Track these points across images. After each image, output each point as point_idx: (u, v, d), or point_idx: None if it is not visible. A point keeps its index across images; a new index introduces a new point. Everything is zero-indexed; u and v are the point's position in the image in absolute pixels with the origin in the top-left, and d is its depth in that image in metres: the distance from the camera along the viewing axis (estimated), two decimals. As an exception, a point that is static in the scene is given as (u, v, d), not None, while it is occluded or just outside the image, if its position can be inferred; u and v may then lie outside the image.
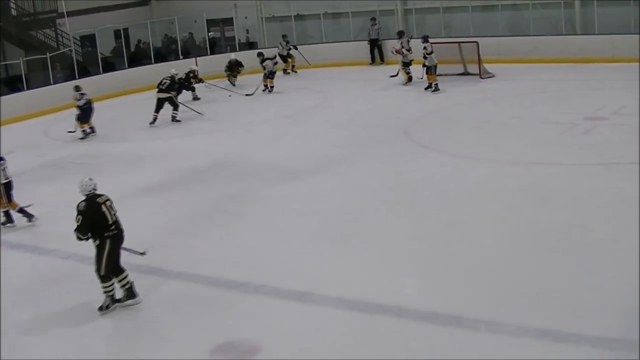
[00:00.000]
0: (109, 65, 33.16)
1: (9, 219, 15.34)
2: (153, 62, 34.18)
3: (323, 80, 30.26)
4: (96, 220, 10.55)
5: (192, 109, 25.31)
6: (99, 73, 32.00)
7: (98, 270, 10.67)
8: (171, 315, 10.61)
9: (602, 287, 10.26)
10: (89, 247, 10.77)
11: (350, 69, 31.90)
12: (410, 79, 27.11)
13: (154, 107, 24.10)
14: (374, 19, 33.82)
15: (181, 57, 34.92)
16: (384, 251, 12.21)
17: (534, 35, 30.68)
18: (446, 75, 27.38)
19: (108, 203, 10.73)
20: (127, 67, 33.45)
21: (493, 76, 27.45)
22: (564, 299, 10.00)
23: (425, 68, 26.19)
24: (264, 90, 28.47)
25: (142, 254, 11.23)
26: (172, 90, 24.43)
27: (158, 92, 24.31)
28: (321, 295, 10.74)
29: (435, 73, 25.79)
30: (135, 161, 19.45)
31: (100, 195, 10.77)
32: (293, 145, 20.01)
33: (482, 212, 13.70)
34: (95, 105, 23.71)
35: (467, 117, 21.65)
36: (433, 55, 25.73)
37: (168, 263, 12.24)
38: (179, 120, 24.32)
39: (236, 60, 31.33)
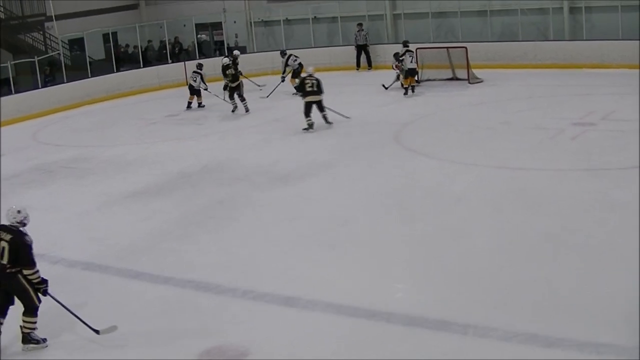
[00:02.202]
0: (98, 69, 33.08)
1: None
2: (142, 66, 34.15)
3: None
4: None
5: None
6: (87, 77, 31.91)
7: None
8: (160, 319, 10.59)
9: (591, 292, 10.29)
10: (78, 252, 10.73)
11: (340, 74, 31.87)
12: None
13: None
14: (360, 24, 33.76)
15: (170, 61, 34.88)
16: (373, 256, 12.22)
17: (522, 41, 30.77)
18: (435, 80, 27.47)
19: (2, 244, 9.96)
20: (115, 71, 33.38)
21: (481, 81, 27.51)
22: (553, 304, 10.03)
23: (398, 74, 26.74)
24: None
25: None
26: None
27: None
28: (310, 300, 10.74)
29: (411, 76, 26.26)
30: (124, 165, 19.42)
31: (6, 232, 10.07)
32: (282, 149, 20.01)
33: (470, 217, 13.73)
34: (84, 109, 23.65)
35: (456, 122, 21.68)
36: (407, 59, 25.94)
37: (157, 268, 12.24)
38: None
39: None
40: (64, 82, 30.53)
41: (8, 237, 9.98)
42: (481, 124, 21.07)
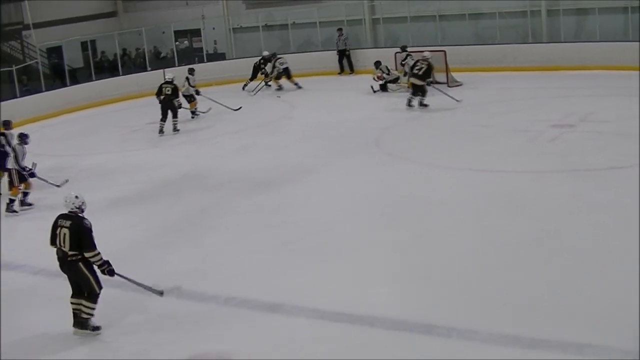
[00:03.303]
0: (77, 78, 32.99)
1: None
2: (121, 73, 34.08)
3: (292, 91, 30.27)
4: (53, 237, 10.50)
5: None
6: (66, 85, 31.82)
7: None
8: (142, 327, 10.58)
9: (573, 293, 10.34)
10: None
11: (320, 79, 31.89)
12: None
13: None
14: (340, 29, 33.80)
15: (149, 68, 34.84)
16: (355, 261, 12.23)
17: (501, 44, 30.85)
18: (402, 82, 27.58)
19: (63, 230, 10.36)
20: (94, 79, 33.28)
21: (461, 85, 27.55)
22: (536, 306, 10.07)
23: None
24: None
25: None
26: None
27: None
28: (293, 306, 10.76)
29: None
30: (105, 174, 19.35)
31: (66, 219, 10.46)
32: (263, 155, 19.98)
33: (452, 221, 13.76)
34: (62, 118, 23.58)
35: (435, 125, 21.75)
36: (410, 63, 26.22)
37: (138, 276, 12.14)
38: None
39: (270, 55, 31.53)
40: (42, 91, 30.40)
41: (67, 223, 10.35)
42: (461, 127, 21.13)
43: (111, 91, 31.99)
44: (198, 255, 13.18)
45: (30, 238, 14.29)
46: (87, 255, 10.24)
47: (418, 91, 23.84)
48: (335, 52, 33.70)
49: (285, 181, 17.17)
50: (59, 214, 10.61)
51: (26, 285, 12.56)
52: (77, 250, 10.26)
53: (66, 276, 10.55)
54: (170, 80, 24.25)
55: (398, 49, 29.18)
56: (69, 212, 10.48)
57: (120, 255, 12.70)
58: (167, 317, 10.75)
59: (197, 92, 26.11)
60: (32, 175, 17.08)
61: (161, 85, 24.31)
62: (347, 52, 33.58)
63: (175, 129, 23.79)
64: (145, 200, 16.81)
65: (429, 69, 23.77)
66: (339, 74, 33.56)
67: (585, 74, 26.98)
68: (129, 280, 10.70)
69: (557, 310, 9.91)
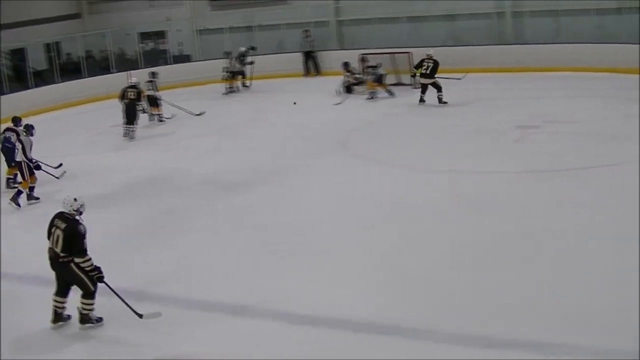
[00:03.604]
0: (41, 80, 32.75)
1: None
2: (86, 76, 33.88)
3: (258, 93, 30.26)
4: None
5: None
6: (29, 87, 31.59)
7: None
8: (110, 331, 10.54)
9: (543, 294, 10.43)
10: (25, 265, 10.63)
11: (285, 81, 31.87)
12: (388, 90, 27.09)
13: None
14: (307, 30, 33.85)
15: (114, 70, 34.67)
16: (322, 264, 12.26)
17: (467, 46, 30.97)
18: (389, 85, 27.57)
19: (57, 232, 10.52)
20: (59, 81, 33.05)
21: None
22: (506, 306, 10.15)
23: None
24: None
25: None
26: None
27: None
28: (261, 308, 10.78)
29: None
30: (70, 177, 19.16)
31: (62, 220, 10.61)
32: (230, 158, 19.95)
33: (418, 223, 13.84)
34: (27, 121, 23.27)
35: (401, 127, 21.81)
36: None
37: (106, 279, 12.12)
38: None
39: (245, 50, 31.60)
40: (5, 93, 30.11)
41: (63, 225, 10.50)
42: (427, 128, 21.25)
43: (76, 93, 31.74)
44: (168, 258, 13.13)
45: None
46: (77, 260, 10.37)
47: (426, 89, 24.28)
48: (301, 53, 33.74)
49: (253, 183, 17.16)
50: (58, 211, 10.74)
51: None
52: (69, 254, 10.38)
53: (54, 274, 10.66)
54: (134, 84, 24.14)
55: (364, 51, 29.24)
56: (67, 214, 10.60)
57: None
58: (135, 320, 10.68)
59: (159, 98, 25.87)
60: (38, 167, 17.39)
61: (125, 89, 24.20)
62: (313, 54, 33.62)
63: (130, 134, 23.60)
64: (114, 203, 16.69)
65: (436, 66, 24.14)
66: (305, 75, 33.58)
67: (548, 75, 27.17)
68: (114, 292, 10.64)
69: (528, 310, 9.99)
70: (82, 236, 10.39)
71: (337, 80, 27.44)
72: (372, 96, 26.32)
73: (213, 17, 37.32)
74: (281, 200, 15.97)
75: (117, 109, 24.65)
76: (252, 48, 31.27)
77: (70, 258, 10.38)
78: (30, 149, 17.24)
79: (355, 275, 11.82)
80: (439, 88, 23.93)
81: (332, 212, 14.87)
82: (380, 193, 15.71)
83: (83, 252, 10.36)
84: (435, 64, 24.09)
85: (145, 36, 37.71)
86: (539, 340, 9.16)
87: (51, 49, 34.64)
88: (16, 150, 17.47)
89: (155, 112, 25.71)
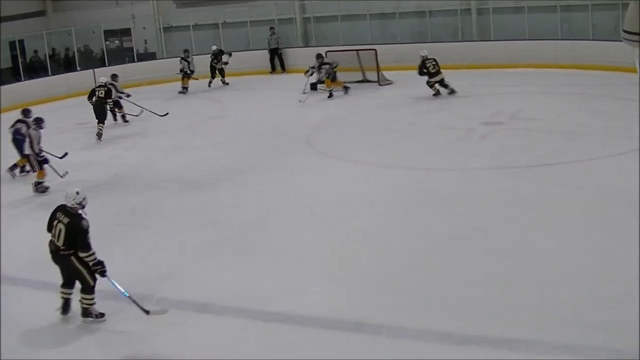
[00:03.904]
0: (4, 78, 32.47)
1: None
2: (50, 74, 33.70)
3: (223, 90, 30.22)
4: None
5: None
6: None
7: None
8: (71, 330, 10.47)
9: (503, 289, 10.45)
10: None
11: (250, 78, 31.85)
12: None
13: None
14: (272, 27, 33.93)
15: (79, 68, 34.51)
16: (285, 261, 12.22)
17: (432, 42, 31.06)
18: (345, 82, 27.56)
19: (59, 226, 10.49)
20: (22, 79, 32.82)
21: (391, 83, 27.76)
22: (465, 303, 10.15)
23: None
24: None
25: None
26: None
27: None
28: (223, 306, 10.74)
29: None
30: (32, 176, 19.06)
31: (65, 214, 10.55)
32: (193, 156, 19.83)
33: (382, 219, 13.85)
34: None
35: (367, 124, 21.84)
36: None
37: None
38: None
39: (219, 50, 31.47)
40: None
41: (66, 220, 10.45)
42: (392, 125, 21.28)
43: (40, 92, 31.50)
44: (128, 256, 13.01)
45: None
46: (81, 255, 10.36)
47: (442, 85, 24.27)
48: (267, 50, 33.78)
49: (215, 181, 17.12)
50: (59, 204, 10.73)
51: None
52: (71, 248, 10.38)
53: (58, 267, 10.67)
54: (103, 83, 24.01)
55: (328, 48, 29.26)
56: (69, 207, 10.56)
57: (47, 257, 12.59)
58: (96, 320, 10.65)
59: (128, 95, 25.30)
60: (46, 161, 17.57)
61: (94, 88, 24.02)
62: (279, 51, 33.66)
63: (99, 134, 23.29)
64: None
65: (437, 62, 24.26)
66: (271, 72, 33.60)
67: (512, 71, 27.33)
68: (117, 288, 10.60)
69: (486, 305, 10.01)
70: (86, 231, 10.35)
71: (303, 78, 27.30)
72: (331, 94, 26.29)
73: (178, 15, 37.25)
74: (244, 197, 15.92)
75: (81, 107, 24.57)
76: (229, 54, 31.11)
77: (71, 252, 10.38)
78: (39, 142, 17.44)
79: (312, 272, 11.80)
80: (446, 85, 24.22)
81: (295, 209, 14.83)
82: (344, 190, 15.70)
83: (87, 246, 10.32)
84: (436, 60, 24.22)
85: (110, 34, 37.56)
86: (495, 336, 9.19)
87: (15, 47, 34.41)
88: (25, 143, 17.74)
89: (119, 112, 25.36)
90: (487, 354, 8.88)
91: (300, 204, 15.14)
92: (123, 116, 25.29)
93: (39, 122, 17.74)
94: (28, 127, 18.15)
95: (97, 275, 10.51)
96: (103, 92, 23.52)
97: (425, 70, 24.29)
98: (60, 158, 18.46)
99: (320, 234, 13.40)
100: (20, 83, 32.29)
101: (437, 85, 24.28)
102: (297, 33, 35.10)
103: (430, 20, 31.89)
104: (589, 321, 9.28)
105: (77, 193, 10.61)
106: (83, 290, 10.57)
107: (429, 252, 12.05)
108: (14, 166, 18.69)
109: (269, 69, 33.85)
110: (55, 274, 10.81)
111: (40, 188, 17.35)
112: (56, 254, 10.53)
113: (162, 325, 10.28)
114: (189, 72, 30.29)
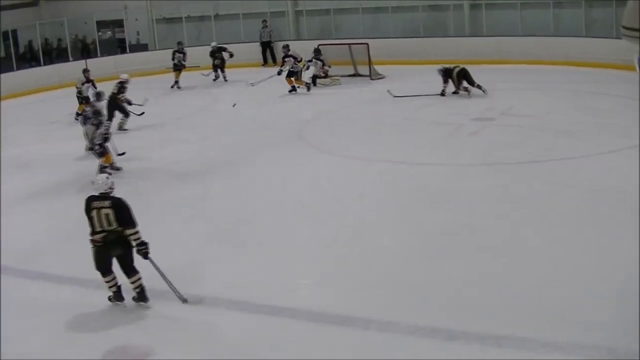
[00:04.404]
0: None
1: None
2: (42, 64, 33.66)
3: (213, 82, 30.20)
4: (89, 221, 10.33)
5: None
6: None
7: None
8: (62, 320, 10.42)
9: (492, 286, 10.46)
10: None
11: (245, 71, 31.77)
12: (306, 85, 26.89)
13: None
14: (265, 20, 33.98)
15: (71, 59, 34.46)
16: (275, 253, 12.22)
17: (423, 37, 31.14)
18: (337, 76, 27.57)
19: (104, 211, 10.19)
20: (15, 69, 32.75)
21: (383, 77, 27.79)
22: (454, 298, 10.17)
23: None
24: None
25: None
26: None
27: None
28: (213, 297, 10.71)
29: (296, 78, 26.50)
30: (23, 166, 19.05)
31: (103, 199, 10.33)
32: (184, 148, 19.81)
33: (373, 214, 13.85)
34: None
35: (358, 118, 21.84)
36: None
37: (59, 269, 12.07)
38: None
39: (218, 47, 30.86)
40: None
41: (106, 202, 10.27)
42: (383, 120, 21.28)
43: (32, 82, 31.48)
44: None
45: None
46: (129, 232, 10.21)
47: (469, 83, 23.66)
48: (259, 43, 33.78)
49: (204, 174, 17.10)
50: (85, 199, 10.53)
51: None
52: (121, 227, 10.21)
53: (99, 256, 10.41)
54: (124, 80, 23.91)
55: (320, 42, 29.28)
56: (102, 193, 10.41)
57: (39, 247, 12.61)
58: (87, 310, 10.63)
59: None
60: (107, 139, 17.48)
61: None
62: (271, 44, 33.69)
63: (122, 128, 22.89)
64: (65, 192, 16.54)
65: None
66: (263, 65, 33.59)
67: (504, 67, 27.38)
68: (159, 271, 10.63)
69: (475, 302, 10.01)
70: (130, 208, 10.27)
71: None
72: (292, 90, 26.37)
73: (171, 6, 37.14)
74: (234, 191, 15.89)
75: (72, 97, 24.52)
76: (230, 54, 30.74)
77: (123, 231, 10.23)
78: (96, 135, 17.27)
79: (302, 266, 11.80)
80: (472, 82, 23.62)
81: (285, 203, 14.83)
82: (335, 184, 15.70)
83: (134, 222, 10.24)
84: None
85: (102, 25, 37.50)
86: (483, 332, 9.17)
87: (8, 37, 34.34)
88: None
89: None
90: (476, 351, 8.87)
91: (291, 198, 15.13)
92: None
93: (97, 115, 17.62)
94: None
95: (140, 255, 10.42)
96: (117, 88, 23.36)
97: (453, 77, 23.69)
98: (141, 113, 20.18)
99: (311, 228, 13.40)
100: (12, 73, 32.11)
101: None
102: (289, 26, 35.09)
103: (422, 15, 31.89)
104: (580, 319, 9.29)
105: (107, 177, 10.61)
106: (134, 271, 10.51)
107: (419, 248, 12.05)
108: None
109: (261, 61, 33.81)
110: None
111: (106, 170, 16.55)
112: (115, 240, 10.26)
113: (151, 318, 10.31)
114: (182, 64, 29.90)
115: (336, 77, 27.34)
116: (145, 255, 10.39)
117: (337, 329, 9.67)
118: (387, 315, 9.81)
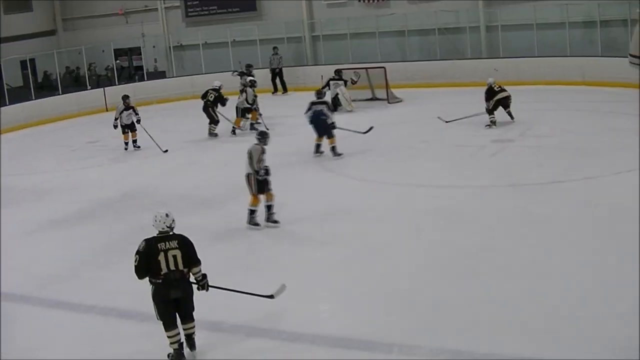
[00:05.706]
0: (16, 96, 32.54)
1: None
2: (60, 92, 33.83)
3: (231, 108, 30.20)
4: (151, 265, 9.59)
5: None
6: (5, 104, 31.38)
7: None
8: (82, 348, 10.44)
9: (514, 308, 10.40)
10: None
11: (259, 97, 31.77)
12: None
13: None
14: (275, 47, 33.71)
15: (89, 87, 34.65)
16: (296, 278, 12.12)
17: (440, 60, 31.15)
18: (354, 100, 27.56)
19: (171, 252, 9.59)
20: (34, 98, 32.89)
21: (401, 101, 27.77)
22: (476, 320, 10.13)
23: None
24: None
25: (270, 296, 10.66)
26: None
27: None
28: (234, 324, 10.78)
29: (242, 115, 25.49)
30: (44, 193, 19.12)
31: (168, 240, 9.74)
32: (204, 174, 19.90)
33: (393, 237, 13.82)
34: (2, 137, 23.22)
35: (376, 142, 21.78)
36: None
37: (79, 297, 12.08)
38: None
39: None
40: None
41: (174, 243, 9.71)
42: (401, 143, 21.26)
43: (50, 110, 31.61)
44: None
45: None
46: (195, 270, 9.80)
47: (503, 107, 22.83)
48: (269, 70, 33.69)
49: (224, 199, 17.12)
50: (145, 241, 9.86)
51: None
52: (187, 268, 9.75)
53: (163, 306, 9.77)
54: (217, 87, 24.59)
55: (339, 66, 29.26)
56: (161, 232, 9.86)
57: (59, 275, 12.62)
58: (107, 338, 10.66)
59: (138, 121, 23.81)
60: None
61: (207, 90, 24.69)
62: (277, 71, 33.51)
63: (212, 133, 24.41)
64: (86, 219, 16.62)
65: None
66: (273, 93, 33.39)
67: (521, 89, 27.27)
68: (227, 289, 10.43)
69: (497, 324, 9.97)
70: (193, 244, 9.84)
71: (309, 96, 27.10)
72: (252, 126, 25.16)
73: (188, 33, 37.31)
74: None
75: (91, 125, 24.69)
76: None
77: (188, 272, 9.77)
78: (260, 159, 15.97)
79: (322, 290, 11.81)
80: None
81: (300, 226, 14.87)
82: (355, 207, 15.69)
83: (199, 260, 9.84)
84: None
85: (120, 53, 37.72)
86: (508, 355, 9.13)
87: (26, 65, 34.56)
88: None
89: (134, 137, 24.10)
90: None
91: (309, 221, 15.12)
92: (135, 140, 24.08)
93: (263, 136, 16.08)
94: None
95: (203, 290, 10.01)
96: (213, 96, 23.52)
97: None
98: (364, 133, 20.65)
99: (330, 250, 13.40)
100: (31, 102, 32.25)
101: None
102: (306, 51, 35.15)
103: (439, 38, 31.90)
104: (602, 340, 9.26)
105: (167, 215, 9.93)
106: (188, 319, 9.92)
107: (440, 270, 12.02)
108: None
109: (272, 89, 33.55)
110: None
111: (252, 219, 15.36)
112: (180, 282, 9.67)
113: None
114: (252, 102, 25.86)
115: (351, 103, 27.21)
116: (207, 287, 10.05)
117: (359, 354, 9.65)
118: (408, 339, 9.77)
